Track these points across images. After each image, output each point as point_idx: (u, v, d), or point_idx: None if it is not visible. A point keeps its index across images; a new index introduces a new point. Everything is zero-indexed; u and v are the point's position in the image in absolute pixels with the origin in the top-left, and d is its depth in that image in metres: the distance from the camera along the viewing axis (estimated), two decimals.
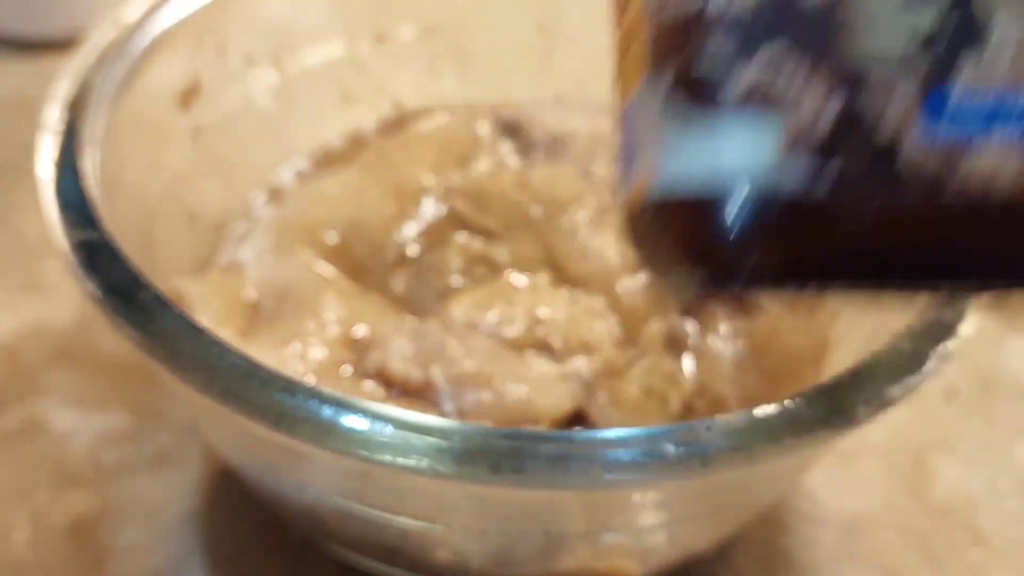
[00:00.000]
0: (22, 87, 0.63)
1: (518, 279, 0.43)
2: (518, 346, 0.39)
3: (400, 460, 0.27)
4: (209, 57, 0.45)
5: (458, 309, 0.40)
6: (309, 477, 0.34)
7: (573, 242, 0.43)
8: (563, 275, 0.43)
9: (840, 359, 0.41)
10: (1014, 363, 0.52)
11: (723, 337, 0.42)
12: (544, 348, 0.39)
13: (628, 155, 0.24)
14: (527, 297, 0.41)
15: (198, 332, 0.30)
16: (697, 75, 0.22)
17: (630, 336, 0.40)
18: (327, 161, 0.50)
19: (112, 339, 0.49)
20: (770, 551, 0.43)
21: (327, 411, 0.28)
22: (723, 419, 0.29)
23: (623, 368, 0.39)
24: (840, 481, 0.46)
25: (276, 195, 0.48)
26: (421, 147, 0.50)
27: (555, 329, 0.39)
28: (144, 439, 0.46)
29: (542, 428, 0.36)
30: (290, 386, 0.29)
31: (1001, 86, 0.21)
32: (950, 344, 0.32)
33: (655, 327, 0.41)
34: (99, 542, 0.42)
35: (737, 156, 0.21)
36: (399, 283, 0.43)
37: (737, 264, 0.22)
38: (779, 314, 0.42)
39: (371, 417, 0.28)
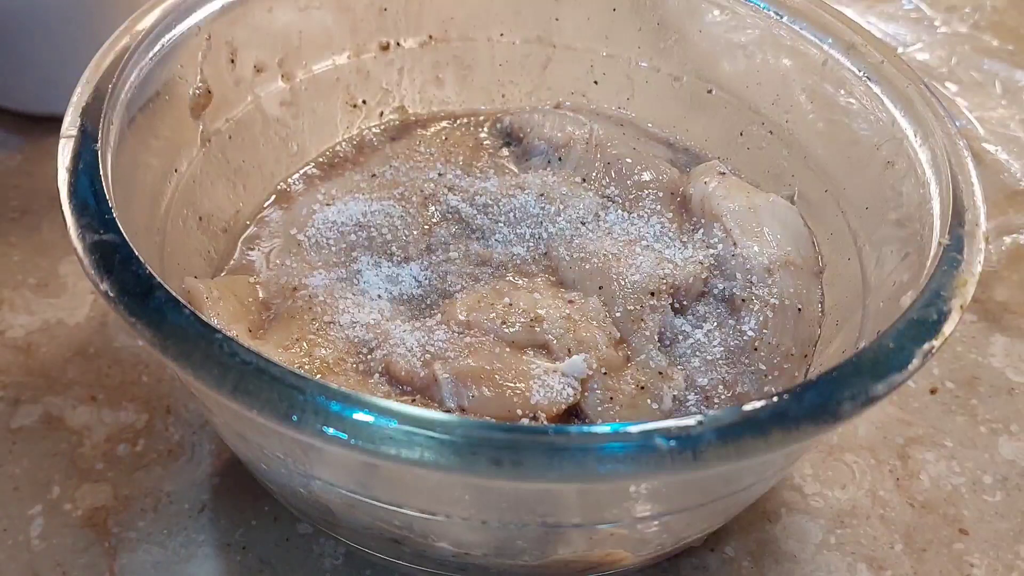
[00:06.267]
0: None
1: (517, 280, 0.44)
2: (517, 345, 0.40)
3: (404, 453, 0.28)
4: (220, 66, 0.45)
5: (460, 309, 0.41)
6: (316, 470, 0.34)
7: (570, 244, 0.44)
8: (560, 276, 0.44)
9: (827, 356, 0.42)
10: (997, 361, 0.52)
11: (714, 336, 0.42)
12: (542, 346, 0.40)
13: None
14: (526, 297, 0.41)
15: (209, 331, 0.30)
16: None
17: (624, 335, 0.41)
18: (334, 166, 0.51)
19: (125, 338, 0.50)
20: (759, 542, 0.44)
21: (334, 407, 0.28)
22: (713, 414, 0.29)
23: (618, 366, 0.40)
24: (827, 474, 0.47)
25: (284, 198, 0.49)
26: (424, 153, 0.51)
27: (553, 328, 0.40)
28: (156, 434, 0.46)
29: (540, 423, 0.37)
30: (299, 383, 0.29)
31: None
32: (934, 342, 0.32)
33: (648, 326, 0.41)
34: (112, 533, 0.43)
35: None
36: (403, 284, 0.43)
37: None
38: (768, 314, 0.43)
39: (376, 412, 0.28)
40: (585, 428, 0.29)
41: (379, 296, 0.43)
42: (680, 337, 0.42)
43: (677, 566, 0.43)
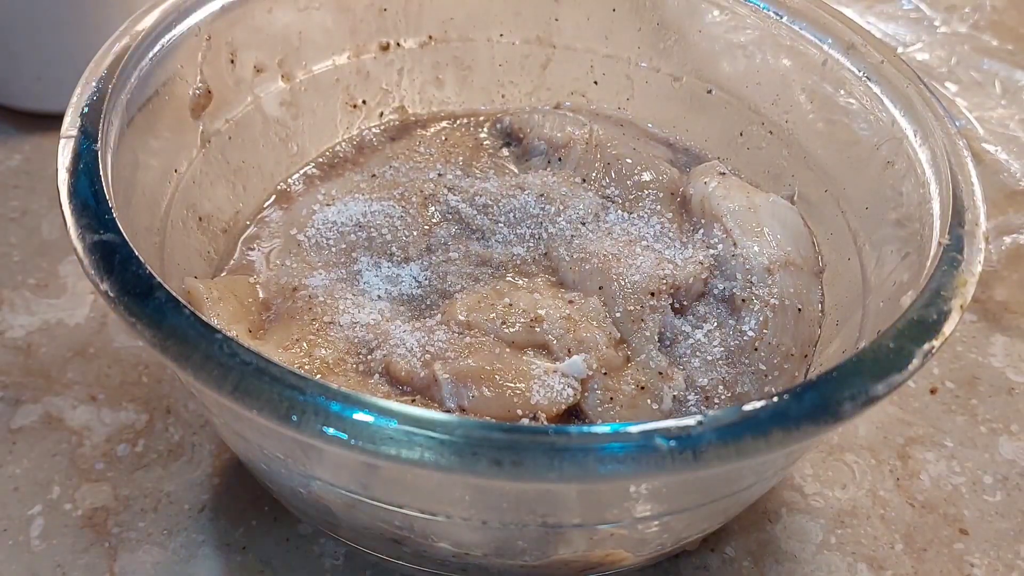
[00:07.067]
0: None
1: (517, 280, 0.43)
2: (517, 345, 0.40)
3: (404, 453, 0.28)
4: (220, 66, 0.45)
5: (460, 309, 0.41)
6: (317, 471, 0.34)
7: (570, 244, 0.44)
8: (561, 276, 0.44)
9: (827, 356, 0.42)
10: (997, 361, 0.52)
11: (714, 336, 0.42)
12: (542, 347, 0.40)
13: None
14: (526, 298, 0.41)
15: (209, 331, 0.30)
16: None
17: (624, 335, 0.41)
18: (334, 166, 0.51)
19: (125, 338, 0.50)
20: (760, 542, 0.44)
21: (334, 407, 0.28)
22: (714, 414, 0.29)
23: (618, 366, 0.40)
24: (828, 474, 0.47)
25: (284, 198, 0.49)
26: (424, 153, 0.51)
27: (553, 328, 0.40)
28: (156, 434, 0.46)
29: (540, 423, 0.37)
30: (299, 383, 0.29)
31: None
32: (934, 342, 0.32)
33: (648, 326, 0.41)
34: (112, 534, 0.43)
35: None
36: (403, 284, 0.43)
37: None
38: (768, 314, 0.43)
39: (376, 413, 0.28)
40: (585, 428, 0.29)
41: (379, 296, 0.43)
42: (680, 337, 0.42)
43: (677, 566, 0.43)
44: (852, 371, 0.31)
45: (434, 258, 0.45)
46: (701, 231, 0.46)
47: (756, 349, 0.42)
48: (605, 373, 0.39)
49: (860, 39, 0.45)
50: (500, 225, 0.46)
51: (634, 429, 0.29)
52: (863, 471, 0.47)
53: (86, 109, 0.37)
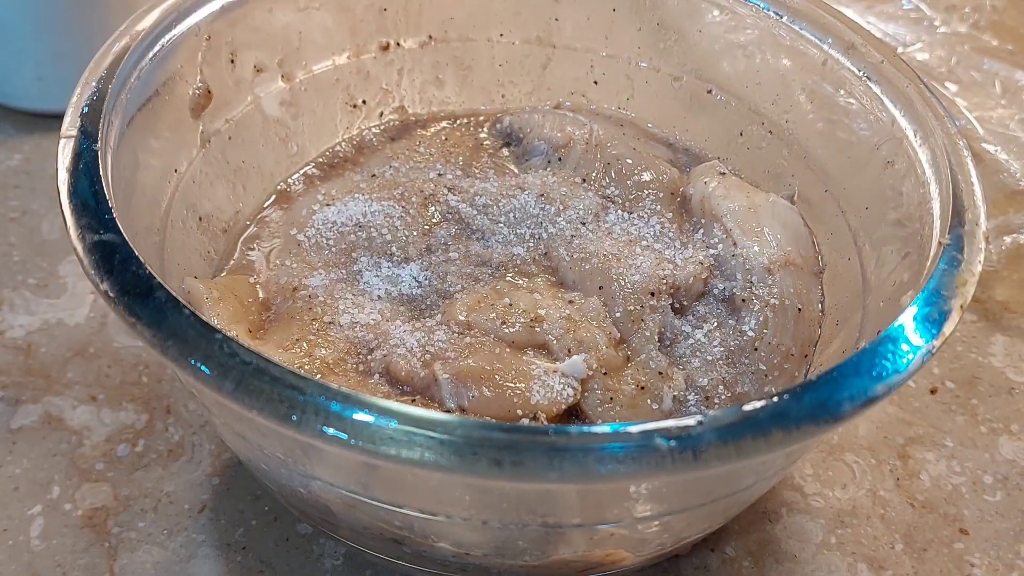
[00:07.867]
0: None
1: (517, 280, 0.43)
2: (517, 345, 0.40)
3: (404, 453, 0.28)
4: (220, 66, 0.45)
5: (460, 309, 0.41)
6: (317, 470, 0.34)
7: (570, 244, 0.44)
8: (561, 276, 0.44)
9: (827, 356, 0.42)
10: (997, 361, 0.52)
11: (714, 336, 0.42)
12: (542, 347, 0.40)
13: None
14: (526, 298, 0.41)
15: (209, 331, 0.30)
16: None
17: (624, 335, 0.41)
18: (334, 166, 0.51)
19: (125, 338, 0.50)
20: (759, 542, 0.44)
21: (334, 407, 0.28)
22: (714, 414, 0.29)
23: (618, 366, 0.40)
24: (828, 474, 0.47)
25: (284, 198, 0.49)
26: (424, 153, 0.51)
27: (553, 328, 0.40)
28: (156, 434, 0.46)
29: (540, 423, 0.37)
30: (299, 383, 0.29)
31: None
32: (934, 342, 0.32)
33: (648, 326, 0.41)
34: (112, 534, 0.43)
35: None
36: (403, 284, 0.43)
37: None
38: (768, 314, 0.43)
39: (376, 412, 0.28)
40: (585, 428, 0.29)
41: (379, 296, 0.43)
42: (680, 337, 0.42)
43: (677, 566, 0.43)
44: (852, 371, 0.31)
45: (434, 258, 0.44)
46: (701, 231, 0.46)
47: (756, 349, 0.42)
48: (605, 373, 0.39)
49: (860, 39, 0.45)
50: (500, 225, 0.46)
51: (634, 429, 0.29)
52: (863, 471, 0.47)
53: (86, 109, 0.37)
